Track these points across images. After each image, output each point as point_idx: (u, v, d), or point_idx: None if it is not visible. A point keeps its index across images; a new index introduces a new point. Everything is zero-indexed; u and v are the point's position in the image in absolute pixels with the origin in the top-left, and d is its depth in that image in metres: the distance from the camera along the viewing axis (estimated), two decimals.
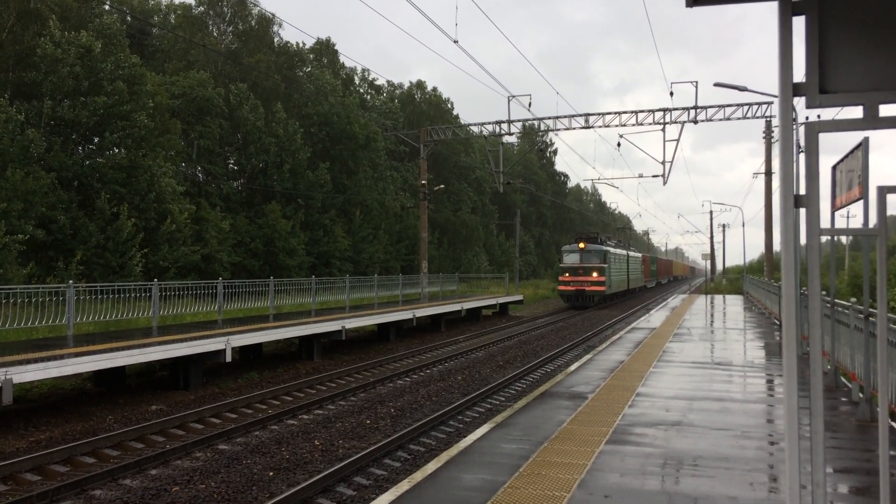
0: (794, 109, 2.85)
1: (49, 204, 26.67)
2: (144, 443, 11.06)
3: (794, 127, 3.06)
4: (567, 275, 43.73)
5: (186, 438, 11.25)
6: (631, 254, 57.21)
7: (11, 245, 23.66)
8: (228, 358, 15.48)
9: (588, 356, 15.75)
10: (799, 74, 2.94)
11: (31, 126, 27.00)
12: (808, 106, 2.80)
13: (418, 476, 6.70)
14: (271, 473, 9.34)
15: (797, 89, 2.73)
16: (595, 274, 42.77)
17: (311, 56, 52.31)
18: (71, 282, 16.42)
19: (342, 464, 9.24)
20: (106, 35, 30.32)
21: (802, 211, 2.73)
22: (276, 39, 48.81)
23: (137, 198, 29.91)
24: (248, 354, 19.75)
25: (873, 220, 3.24)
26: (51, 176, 27.12)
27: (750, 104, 34.01)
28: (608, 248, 45.63)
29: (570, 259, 44.18)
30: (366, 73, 61.96)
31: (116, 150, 29.75)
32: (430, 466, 7.05)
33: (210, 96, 38.22)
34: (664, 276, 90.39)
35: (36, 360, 11.49)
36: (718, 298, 44.08)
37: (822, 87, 2.74)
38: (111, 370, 13.90)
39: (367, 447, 10.46)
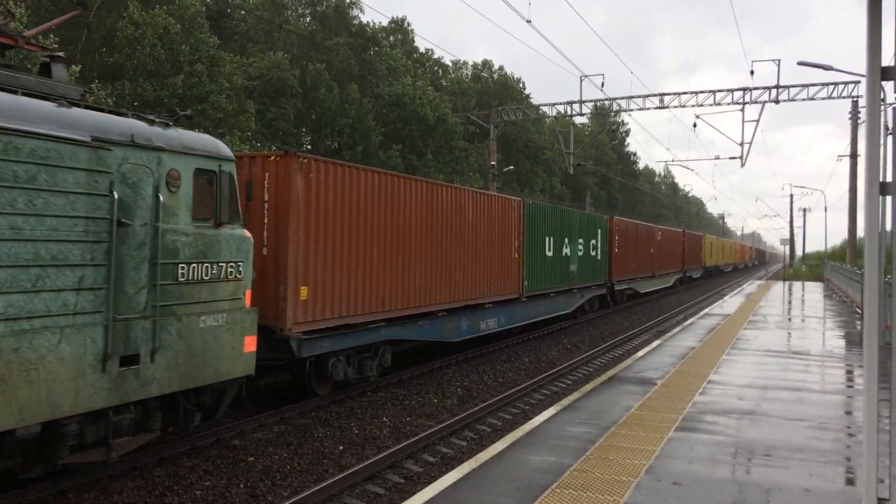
0: (882, 90, 2.73)
1: None
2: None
3: (882, 109, 2.91)
4: None
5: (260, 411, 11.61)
6: None
7: None
8: None
9: (658, 341, 15.53)
10: (887, 56, 2.82)
11: (117, 108, 28.07)
12: None
13: (483, 456, 6.78)
14: (341, 447, 9.59)
15: (885, 73, 2.62)
16: None
17: (385, 36, 52.65)
18: None
19: (410, 441, 9.41)
20: (185, 18, 31.17)
21: (889, 198, 2.62)
22: (354, 22, 49.36)
23: None
24: None
25: None
26: None
27: (836, 83, 32.48)
28: None
29: None
30: (429, 53, 61.89)
31: (198, 130, 30.63)
32: (497, 446, 7.12)
33: (286, 77, 38.91)
34: (666, 268, 38.83)
35: None
36: (797, 285, 42.62)
37: None
38: None
39: (435, 425, 10.60)
